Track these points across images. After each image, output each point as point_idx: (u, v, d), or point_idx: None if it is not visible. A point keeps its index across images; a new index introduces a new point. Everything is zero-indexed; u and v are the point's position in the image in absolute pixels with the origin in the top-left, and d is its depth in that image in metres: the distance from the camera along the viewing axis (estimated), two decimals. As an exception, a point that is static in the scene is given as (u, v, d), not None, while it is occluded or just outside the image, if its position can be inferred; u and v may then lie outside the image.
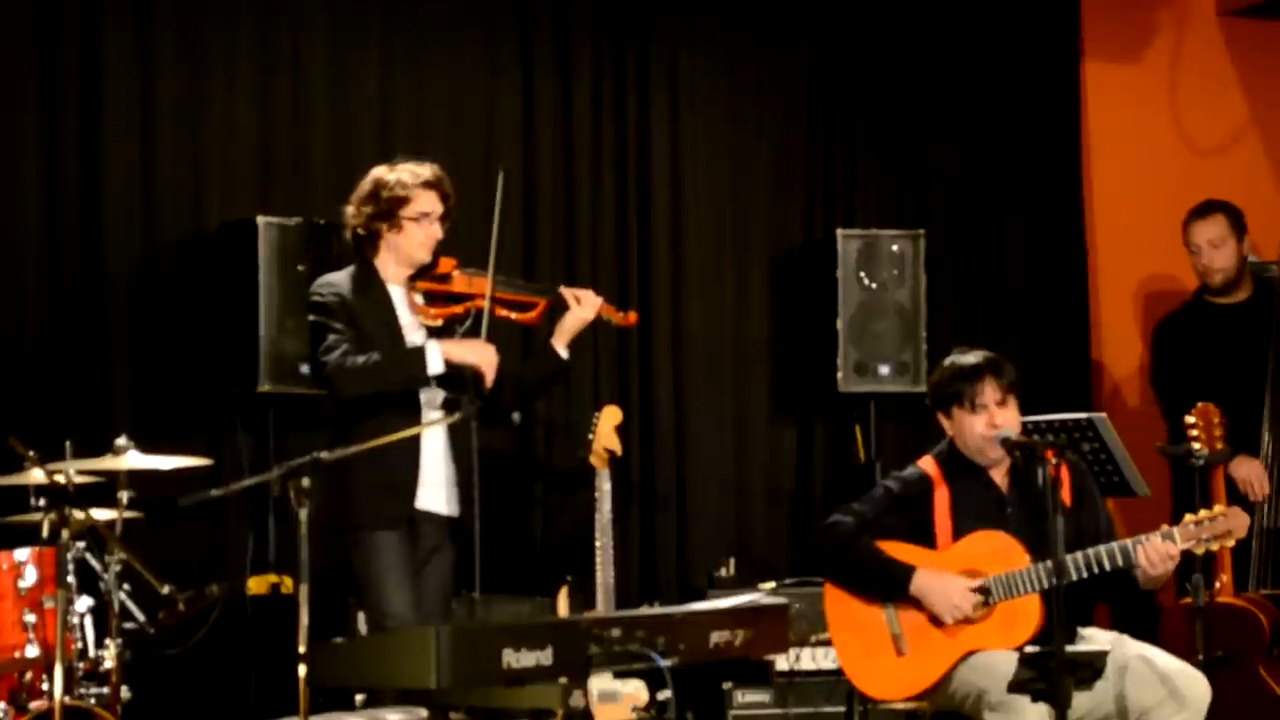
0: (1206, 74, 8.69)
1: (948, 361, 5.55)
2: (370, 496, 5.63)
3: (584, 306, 5.86)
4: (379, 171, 5.82)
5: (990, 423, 5.38)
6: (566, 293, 5.87)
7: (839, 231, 7.76)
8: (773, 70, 8.08)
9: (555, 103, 7.70)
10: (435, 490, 5.72)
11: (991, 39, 8.35)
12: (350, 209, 5.81)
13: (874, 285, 7.71)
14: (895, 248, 7.74)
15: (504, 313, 5.82)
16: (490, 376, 5.68)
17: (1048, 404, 6.75)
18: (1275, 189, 8.63)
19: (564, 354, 5.89)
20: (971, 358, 5.49)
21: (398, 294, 5.81)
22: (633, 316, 6.12)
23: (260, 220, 6.83)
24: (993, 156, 8.33)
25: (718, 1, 8.01)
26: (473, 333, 5.73)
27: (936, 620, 5.32)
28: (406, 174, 5.78)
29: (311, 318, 5.74)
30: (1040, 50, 8.44)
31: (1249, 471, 7.00)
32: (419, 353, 5.63)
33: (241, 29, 7.22)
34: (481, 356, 5.68)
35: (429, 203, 5.76)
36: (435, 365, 5.63)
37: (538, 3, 7.71)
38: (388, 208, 5.75)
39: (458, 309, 5.78)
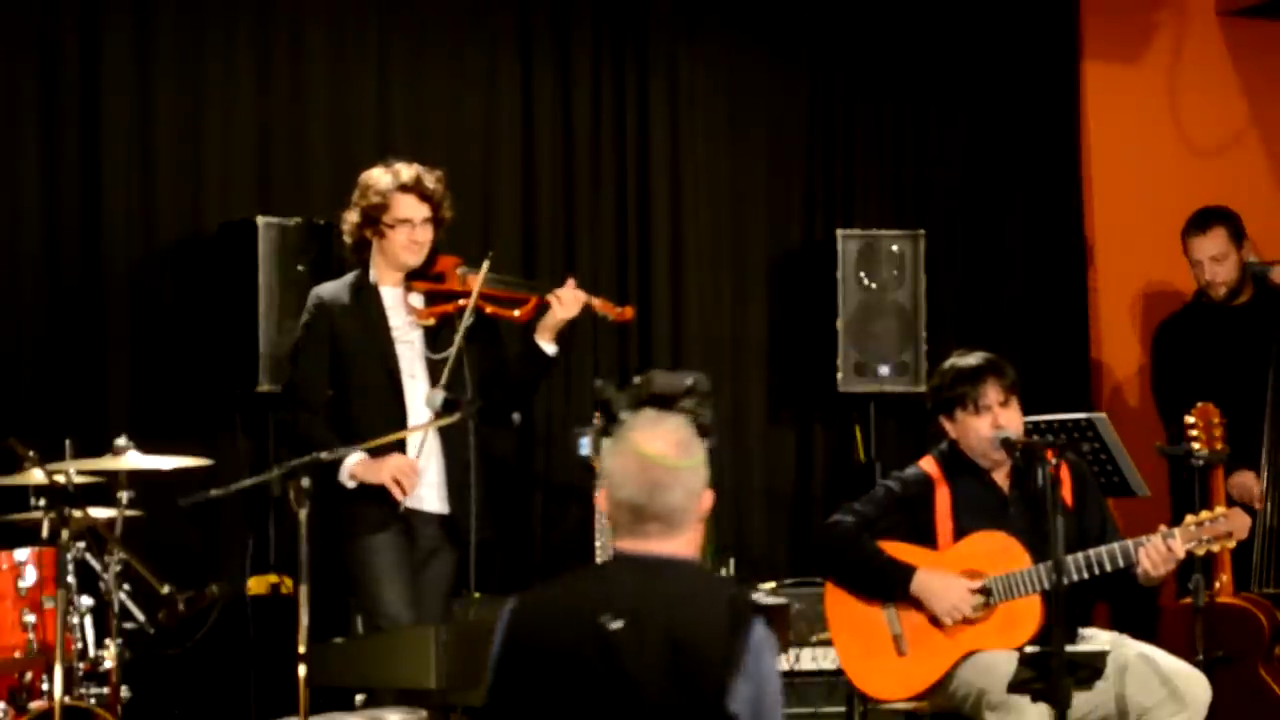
0: (1206, 74, 8.68)
1: (947, 364, 5.52)
2: (355, 499, 5.63)
3: (564, 305, 5.79)
4: (365, 175, 5.81)
5: (994, 424, 5.36)
6: (555, 292, 5.82)
7: (839, 232, 7.75)
8: (772, 70, 8.07)
9: (555, 103, 7.69)
10: (425, 490, 5.71)
11: (991, 39, 8.35)
12: (344, 214, 5.82)
13: (874, 285, 7.70)
14: (895, 248, 7.73)
15: (494, 310, 5.81)
16: (398, 494, 5.57)
17: (1048, 404, 6.73)
18: (1275, 189, 8.62)
19: (549, 350, 5.84)
20: (972, 360, 5.47)
21: (394, 295, 5.79)
22: (629, 311, 6.07)
23: (260, 220, 6.83)
24: (993, 157, 8.32)
25: (718, 2, 8.01)
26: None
27: (937, 620, 5.31)
28: (386, 179, 5.73)
29: (296, 332, 5.81)
30: (1040, 50, 8.43)
31: (1243, 484, 7.00)
32: (337, 462, 5.49)
33: (241, 29, 7.22)
34: (392, 474, 5.56)
35: (408, 208, 5.71)
36: (341, 477, 5.56)
37: (537, 3, 7.71)
38: (370, 215, 5.73)
39: (449, 308, 5.77)
